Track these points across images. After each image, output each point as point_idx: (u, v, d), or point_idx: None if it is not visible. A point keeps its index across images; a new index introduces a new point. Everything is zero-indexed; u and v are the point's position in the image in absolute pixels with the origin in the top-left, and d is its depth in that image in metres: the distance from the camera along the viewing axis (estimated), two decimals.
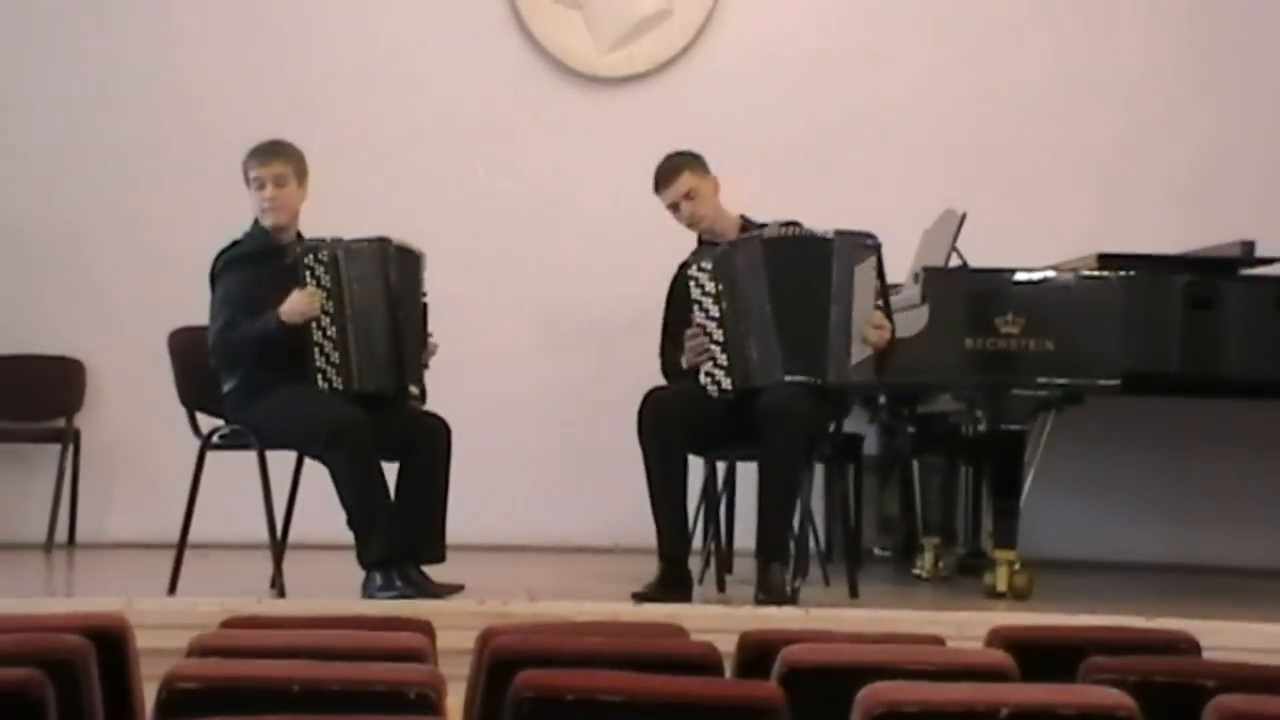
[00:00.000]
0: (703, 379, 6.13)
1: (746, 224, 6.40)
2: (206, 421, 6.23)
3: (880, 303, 6.13)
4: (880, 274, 6.13)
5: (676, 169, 6.38)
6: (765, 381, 6.06)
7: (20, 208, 8.50)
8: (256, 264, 6.11)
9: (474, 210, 8.55)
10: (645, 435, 6.11)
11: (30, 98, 8.56)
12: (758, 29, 8.82)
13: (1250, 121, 8.72)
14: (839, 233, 6.14)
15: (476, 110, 8.68)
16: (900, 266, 7.33)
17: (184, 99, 8.55)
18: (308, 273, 6.02)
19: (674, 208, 6.39)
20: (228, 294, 6.09)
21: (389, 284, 6.12)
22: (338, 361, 6.04)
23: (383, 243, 6.14)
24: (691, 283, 6.16)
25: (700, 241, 6.40)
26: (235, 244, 6.20)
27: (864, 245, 6.12)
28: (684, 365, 6.25)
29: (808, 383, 6.04)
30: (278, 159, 6.13)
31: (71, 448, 8.32)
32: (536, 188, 8.62)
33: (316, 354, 6.02)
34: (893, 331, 6.18)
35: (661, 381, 6.37)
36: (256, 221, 6.19)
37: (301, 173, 6.17)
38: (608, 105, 8.76)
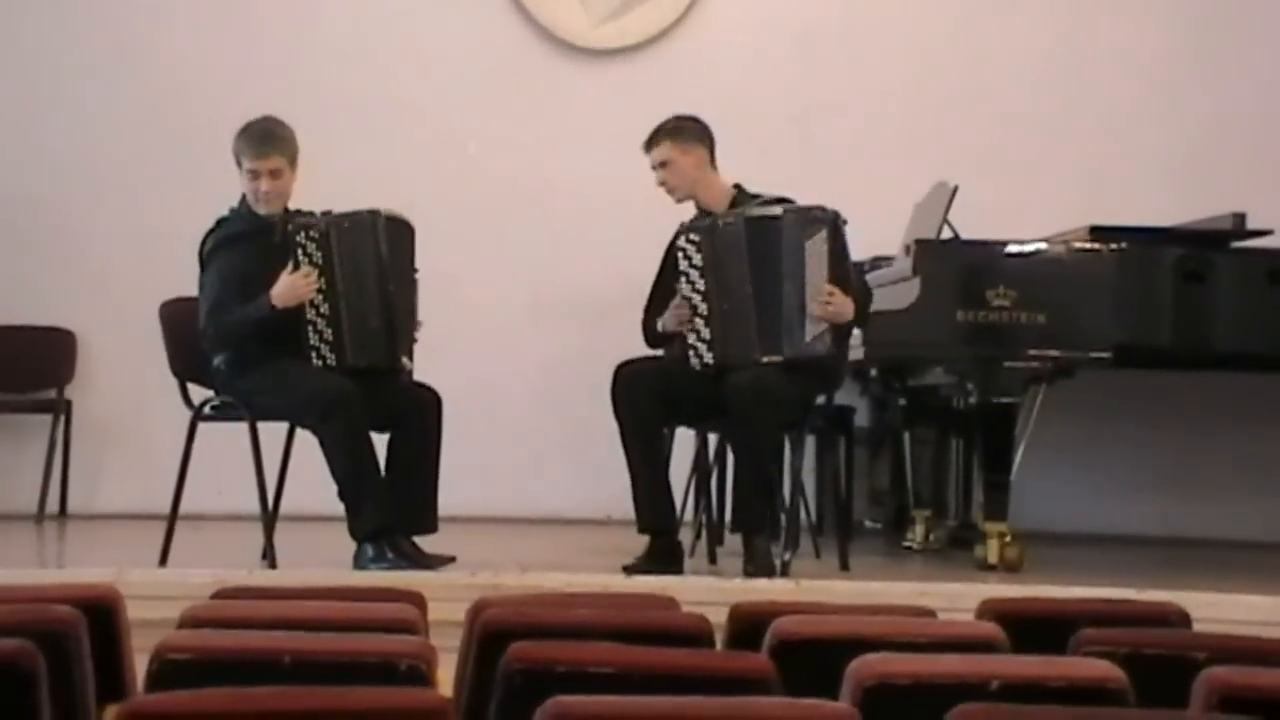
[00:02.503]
0: (688, 350, 6.13)
1: (740, 195, 6.39)
2: (198, 392, 6.22)
3: (839, 273, 6.09)
4: (835, 246, 6.09)
5: (657, 138, 6.37)
6: (743, 360, 6.07)
7: (10, 179, 8.48)
8: (246, 243, 6.07)
9: (465, 184, 8.53)
10: (618, 408, 6.14)
11: (19, 70, 8.54)
12: (749, 1, 8.81)
13: (1244, 95, 8.71)
14: (788, 209, 6.14)
15: (467, 83, 8.67)
16: (892, 239, 7.33)
17: (173, 71, 8.53)
18: (299, 250, 5.99)
19: (655, 169, 6.41)
20: (218, 275, 6.05)
21: (380, 257, 6.09)
22: (331, 338, 6.02)
23: (372, 215, 6.10)
24: (680, 253, 6.16)
25: (699, 210, 6.40)
26: (222, 222, 6.16)
27: (814, 219, 6.10)
28: (660, 328, 6.27)
29: (778, 361, 6.05)
30: (274, 152, 6.05)
31: (63, 419, 8.33)
32: (527, 161, 8.60)
33: (310, 331, 6.00)
34: (866, 302, 6.17)
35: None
36: (244, 199, 6.16)
37: (294, 158, 6.10)
38: (599, 78, 8.75)
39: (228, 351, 6.05)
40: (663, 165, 6.37)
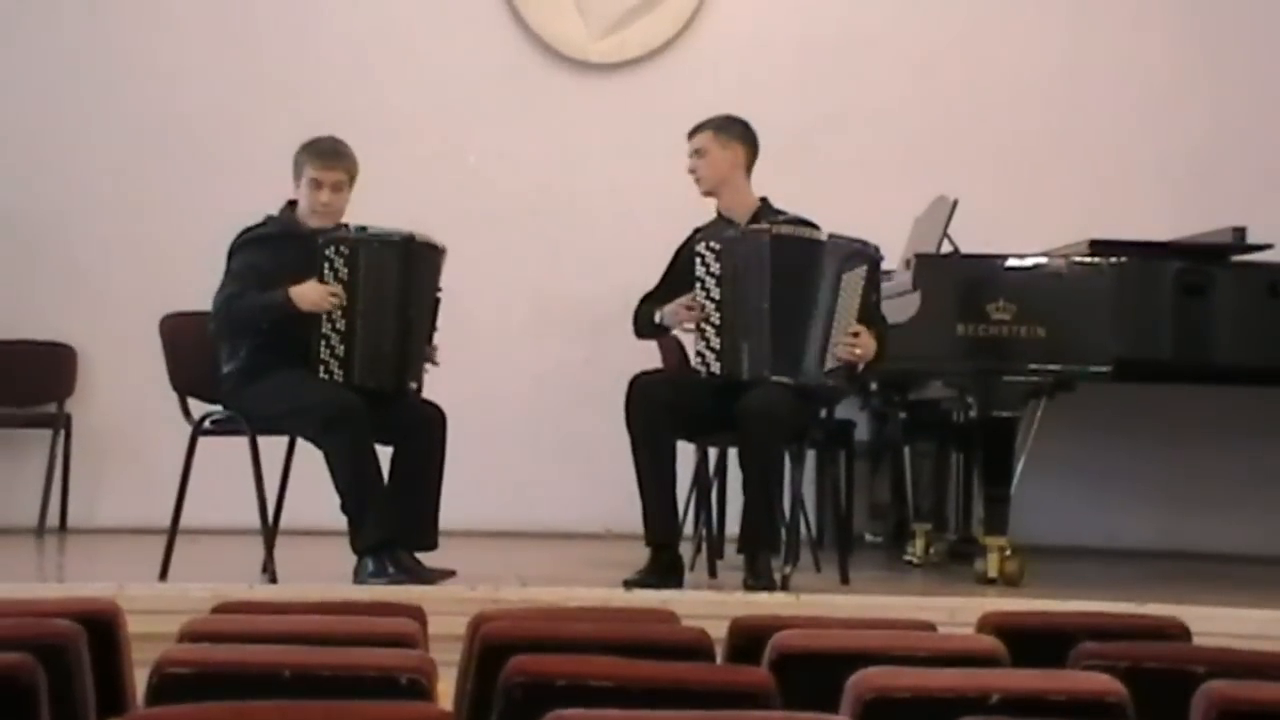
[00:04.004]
0: (693, 358, 6.13)
1: (764, 209, 6.38)
2: (198, 407, 6.22)
3: (870, 313, 6.09)
4: (871, 286, 6.09)
5: (702, 126, 6.43)
6: (752, 375, 6.06)
7: (9, 194, 8.48)
8: (276, 246, 6.09)
9: (465, 197, 8.53)
10: (632, 421, 6.11)
11: (16, 84, 8.54)
12: (750, 14, 8.83)
13: (1244, 108, 8.72)
14: (832, 236, 6.12)
15: (468, 96, 8.67)
16: (892, 253, 7.33)
17: (174, 86, 8.53)
18: (326, 264, 6.00)
19: (690, 156, 6.43)
20: (241, 268, 6.06)
21: (404, 283, 6.09)
22: (342, 355, 6.02)
23: (407, 240, 6.10)
24: (698, 259, 6.13)
25: (719, 215, 6.39)
26: (259, 224, 6.19)
27: (857, 253, 6.09)
28: (658, 319, 6.25)
29: (790, 383, 6.04)
30: (340, 165, 6.13)
31: (63, 433, 8.32)
32: (528, 174, 8.61)
33: (322, 345, 6.00)
34: (883, 344, 6.14)
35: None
36: (287, 207, 6.18)
37: (354, 178, 6.19)
38: (599, 91, 8.75)
39: (238, 346, 6.04)
40: (698, 153, 6.40)
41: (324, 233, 6.08)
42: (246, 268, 6.05)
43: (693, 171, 6.42)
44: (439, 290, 6.26)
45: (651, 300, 6.34)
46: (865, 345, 6.04)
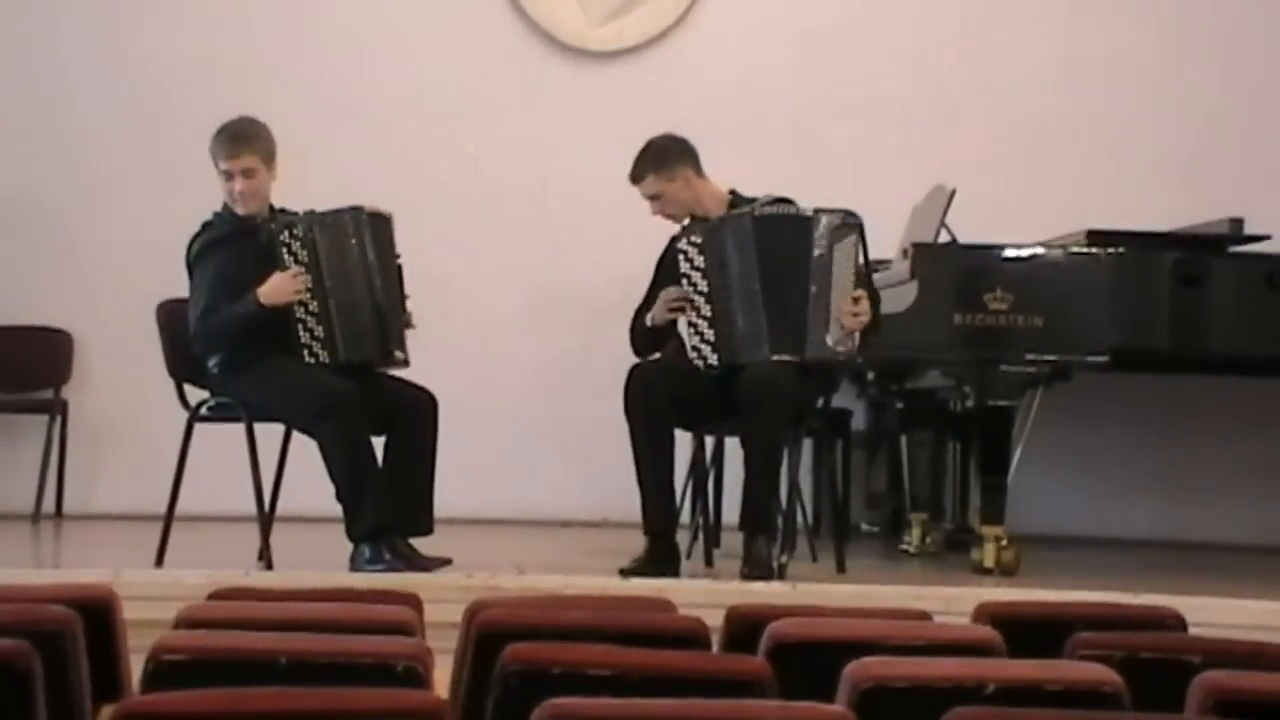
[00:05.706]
0: (689, 353, 6.13)
1: (736, 200, 6.38)
2: (194, 393, 6.22)
3: (863, 279, 6.11)
4: (862, 252, 6.11)
5: (641, 173, 6.38)
6: (751, 358, 6.06)
7: (7, 179, 8.47)
8: (231, 245, 6.08)
9: (462, 185, 8.53)
10: (631, 409, 6.11)
11: (15, 71, 8.53)
12: (748, 2, 8.81)
13: (1242, 99, 8.71)
14: (819, 210, 6.13)
15: (466, 84, 8.66)
16: (889, 242, 7.34)
17: (170, 72, 8.52)
18: (284, 250, 6.00)
19: (646, 200, 6.41)
20: (206, 279, 6.05)
21: (364, 252, 6.09)
22: (322, 335, 6.03)
23: (355, 211, 6.11)
24: (680, 256, 6.15)
25: (692, 217, 6.39)
26: (206, 226, 6.17)
27: (845, 224, 6.09)
28: (649, 323, 6.25)
29: (791, 361, 6.04)
30: (245, 150, 6.06)
31: (59, 419, 8.32)
32: (526, 162, 8.60)
33: (300, 329, 6.01)
34: (876, 308, 6.15)
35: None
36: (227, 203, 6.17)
37: (269, 156, 6.11)
38: (598, 79, 8.74)
39: (220, 353, 6.05)
40: (654, 198, 6.38)
41: (273, 220, 6.07)
42: (215, 278, 6.04)
43: (660, 215, 6.41)
44: (398, 256, 6.24)
45: (643, 312, 6.35)
46: (865, 310, 6.06)
